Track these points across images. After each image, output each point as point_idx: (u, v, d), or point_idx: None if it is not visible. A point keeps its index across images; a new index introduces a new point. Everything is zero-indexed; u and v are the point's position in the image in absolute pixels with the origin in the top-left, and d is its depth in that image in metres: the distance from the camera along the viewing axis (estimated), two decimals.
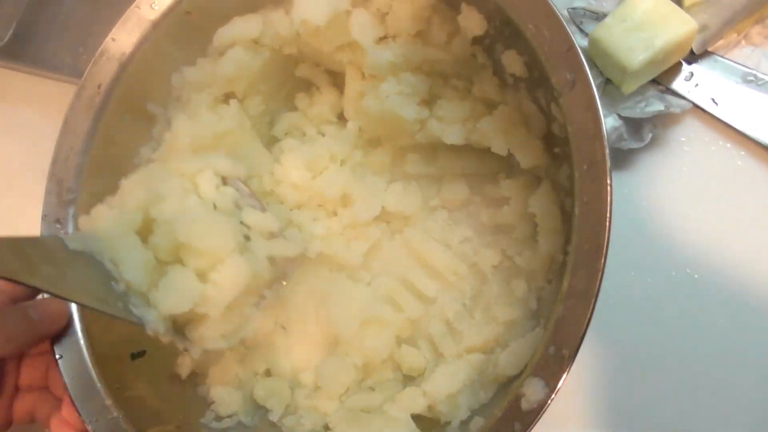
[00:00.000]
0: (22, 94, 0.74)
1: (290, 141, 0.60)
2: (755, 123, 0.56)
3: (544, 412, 0.40)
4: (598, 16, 0.59)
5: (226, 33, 0.55)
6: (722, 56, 0.58)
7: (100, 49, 0.53)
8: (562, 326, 0.40)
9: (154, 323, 0.44)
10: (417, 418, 0.50)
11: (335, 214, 0.58)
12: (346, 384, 0.53)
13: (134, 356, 0.52)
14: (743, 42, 0.59)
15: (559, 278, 0.47)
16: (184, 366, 0.54)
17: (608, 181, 0.40)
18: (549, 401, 0.40)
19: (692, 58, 0.58)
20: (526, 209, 0.52)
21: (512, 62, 0.49)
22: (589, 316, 0.39)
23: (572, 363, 0.40)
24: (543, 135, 0.50)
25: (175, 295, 0.45)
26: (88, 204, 0.50)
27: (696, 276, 0.55)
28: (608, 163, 0.41)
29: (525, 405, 0.40)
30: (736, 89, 0.57)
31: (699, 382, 0.54)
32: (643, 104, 0.57)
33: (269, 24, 0.56)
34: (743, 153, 0.57)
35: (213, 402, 0.54)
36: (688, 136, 0.58)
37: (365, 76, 0.56)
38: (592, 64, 0.58)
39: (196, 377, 0.55)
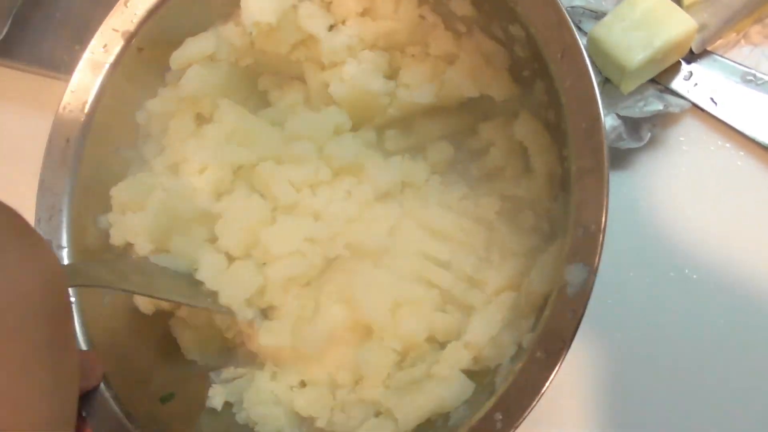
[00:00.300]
0: (17, 92, 0.74)
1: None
2: (754, 123, 0.56)
3: (591, 292, 0.39)
4: (597, 15, 0.59)
5: (181, 55, 0.56)
6: (721, 56, 0.58)
7: (62, 103, 0.54)
8: (582, 206, 0.40)
9: (242, 311, 0.52)
10: (466, 374, 0.50)
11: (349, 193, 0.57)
12: (388, 369, 0.52)
13: (163, 400, 0.53)
14: (743, 41, 0.58)
15: (563, 189, 0.48)
16: (217, 397, 0.55)
17: (585, 60, 0.42)
18: (593, 281, 0.39)
19: (691, 57, 0.58)
20: (511, 145, 0.53)
21: (461, 5, 0.51)
22: (606, 188, 0.40)
23: (604, 236, 0.39)
24: (508, 66, 0.52)
25: (241, 284, 0.52)
26: (82, 255, 0.53)
27: (695, 276, 0.55)
28: (581, 45, 0.42)
29: (570, 291, 0.40)
30: (735, 89, 0.57)
31: (697, 383, 0.54)
32: (642, 104, 0.56)
33: (222, 38, 0.56)
34: (742, 153, 0.57)
35: (256, 424, 0.54)
36: (687, 136, 0.58)
37: (325, 66, 0.56)
38: (591, 63, 0.57)
39: (232, 406, 0.55)
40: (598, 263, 0.40)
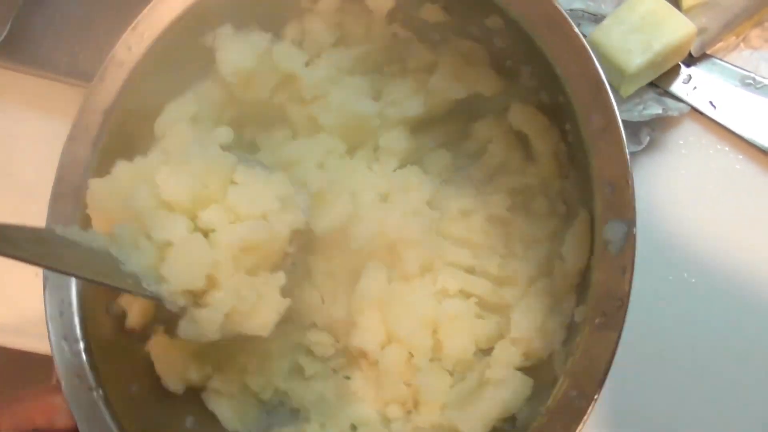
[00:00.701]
0: (17, 94, 0.74)
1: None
2: (754, 126, 0.56)
3: (636, 246, 0.39)
4: (597, 18, 0.59)
5: (164, 122, 0.54)
6: (721, 59, 0.58)
7: (52, 194, 0.52)
8: (604, 165, 0.41)
9: (171, 298, 0.44)
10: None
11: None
12: (446, 390, 0.51)
13: None
14: (742, 45, 0.58)
15: (573, 165, 0.48)
16: None
17: (570, 25, 0.42)
18: (635, 234, 0.40)
19: (691, 61, 0.58)
20: (508, 138, 0.53)
21: (432, 13, 0.51)
22: (623, 142, 0.40)
23: (633, 189, 0.40)
24: (489, 62, 0.53)
25: (187, 270, 0.44)
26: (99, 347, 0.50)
27: (693, 280, 0.55)
28: (563, 13, 0.42)
29: (614, 249, 0.40)
30: (734, 92, 0.57)
31: (695, 386, 0.54)
32: (641, 107, 0.56)
33: (202, 97, 0.55)
34: (741, 156, 0.57)
35: None
36: (686, 140, 0.58)
37: (308, 102, 0.56)
38: None
39: None
40: (635, 216, 0.40)
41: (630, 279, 0.40)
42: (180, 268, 0.44)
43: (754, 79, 0.56)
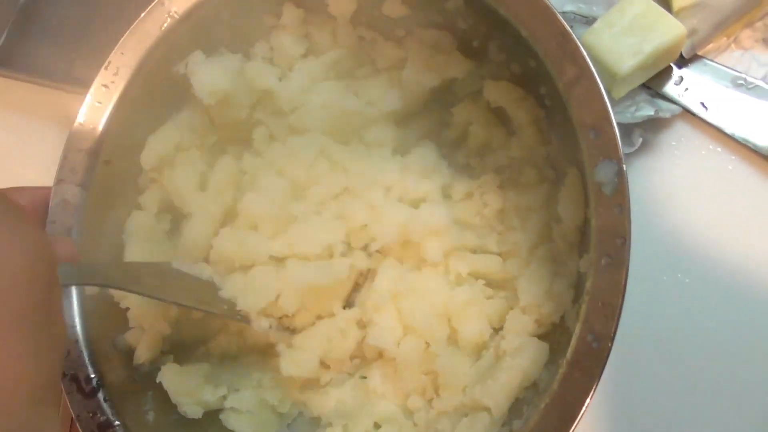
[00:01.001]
0: (14, 101, 0.74)
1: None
2: (745, 127, 0.56)
3: (628, 184, 0.40)
4: (588, 21, 0.59)
5: (149, 154, 0.55)
6: (712, 60, 0.58)
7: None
8: (584, 111, 0.42)
9: (258, 321, 0.52)
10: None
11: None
12: (467, 373, 0.51)
13: None
14: (733, 46, 0.59)
15: (553, 126, 0.49)
16: None
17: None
18: (625, 172, 0.40)
19: (682, 62, 0.58)
20: (487, 116, 0.54)
21: (393, 8, 0.52)
22: (599, 86, 0.41)
23: (616, 129, 0.41)
24: (457, 46, 0.54)
25: (255, 293, 0.52)
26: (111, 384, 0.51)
27: (687, 280, 0.56)
28: None
29: (608, 189, 0.41)
30: (726, 93, 0.57)
31: (689, 386, 0.54)
32: (633, 109, 0.57)
33: (182, 125, 0.56)
34: (733, 157, 0.57)
35: None
36: (679, 141, 0.58)
37: (287, 113, 0.57)
38: None
39: None
40: (622, 155, 0.41)
41: (628, 216, 0.40)
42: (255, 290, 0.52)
43: (745, 79, 0.57)
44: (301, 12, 0.55)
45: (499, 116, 0.55)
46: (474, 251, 0.55)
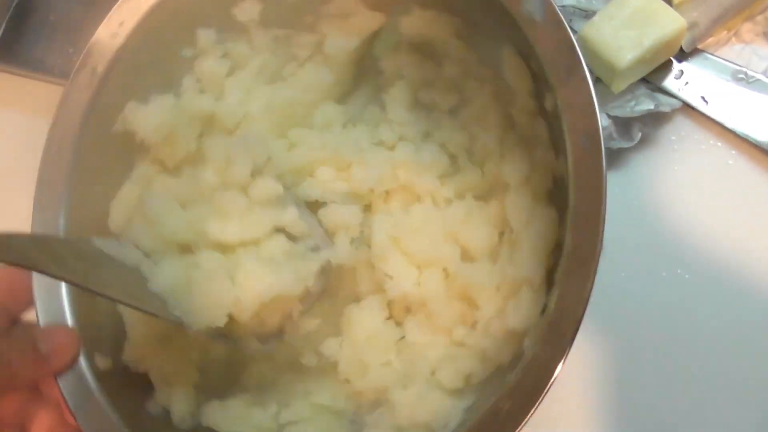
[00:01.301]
0: (10, 95, 0.74)
1: None
2: (746, 121, 0.56)
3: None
4: (588, 14, 0.59)
5: (115, 218, 0.52)
6: (712, 54, 0.58)
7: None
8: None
9: (196, 327, 0.45)
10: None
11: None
12: (493, 273, 0.50)
13: None
14: (733, 39, 0.58)
15: (478, 32, 0.50)
16: None
17: None
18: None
19: (682, 56, 0.57)
20: (411, 54, 0.55)
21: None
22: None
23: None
24: (364, 6, 0.54)
25: (209, 310, 0.46)
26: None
27: (687, 276, 0.55)
28: None
29: (537, 15, 0.43)
30: (726, 87, 0.56)
31: (689, 382, 0.54)
32: (632, 103, 0.56)
33: (139, 182, 0.54)
34: (734, 151, 0.56)
35: None
36: (678, 135, 0.57)
37: (233, 128, 0.56)
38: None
39: None
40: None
41: (567, 32, 0.44)
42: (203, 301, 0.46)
43: (745, 73, 0.56)
44: (212, 32, 0.54)
45: (424, 52, 0.55)
46: (453, 175, 0.55)
